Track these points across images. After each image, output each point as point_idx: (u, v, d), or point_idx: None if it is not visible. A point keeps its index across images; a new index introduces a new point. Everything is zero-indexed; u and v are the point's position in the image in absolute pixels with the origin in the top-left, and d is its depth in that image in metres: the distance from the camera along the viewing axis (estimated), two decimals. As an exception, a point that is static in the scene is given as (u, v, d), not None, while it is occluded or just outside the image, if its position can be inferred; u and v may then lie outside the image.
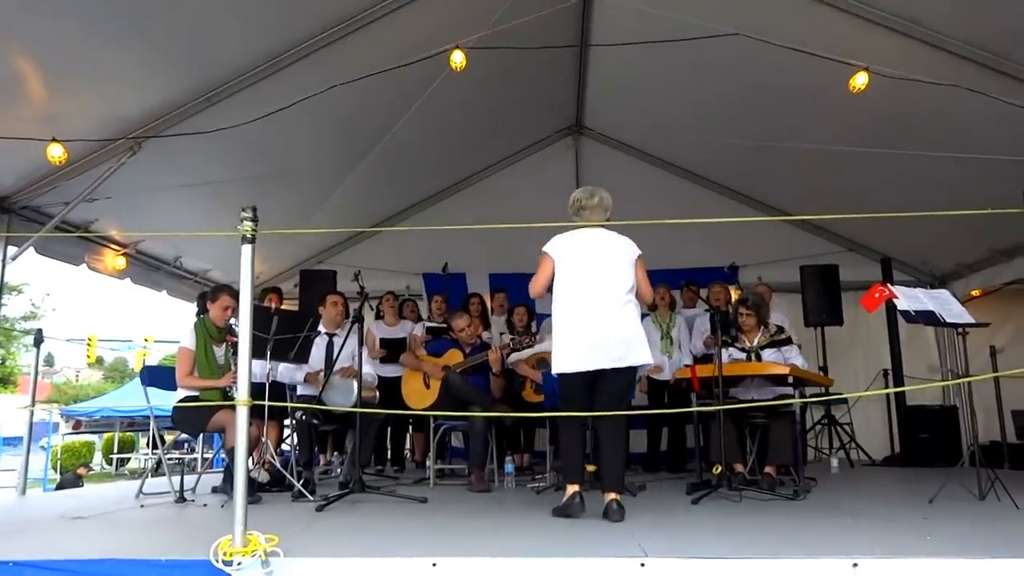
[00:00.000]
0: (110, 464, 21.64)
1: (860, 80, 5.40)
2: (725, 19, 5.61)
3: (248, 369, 2.50)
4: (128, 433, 22.85)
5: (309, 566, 2.36)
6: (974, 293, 8.12)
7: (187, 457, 16.84)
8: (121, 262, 6.89)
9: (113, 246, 6.84)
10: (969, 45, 5.17)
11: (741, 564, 2.25)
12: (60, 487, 11.46)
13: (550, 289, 3.88)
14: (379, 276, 8.16)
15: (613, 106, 8.50)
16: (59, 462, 19.24)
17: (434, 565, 2.30)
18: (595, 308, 3.69)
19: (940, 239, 7.97)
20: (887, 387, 8.26)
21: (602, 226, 3.95)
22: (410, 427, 7.10)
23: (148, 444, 21.00)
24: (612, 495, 3.50)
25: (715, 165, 8.69)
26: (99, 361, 37.29)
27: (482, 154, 8.94)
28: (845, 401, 7.94)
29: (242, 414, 2.45)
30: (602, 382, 3.70)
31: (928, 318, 3.93)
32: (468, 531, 3.24)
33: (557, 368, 3.72)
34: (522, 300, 7.59)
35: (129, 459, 22.43)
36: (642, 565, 2.25)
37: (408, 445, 7.42)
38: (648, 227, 8.65)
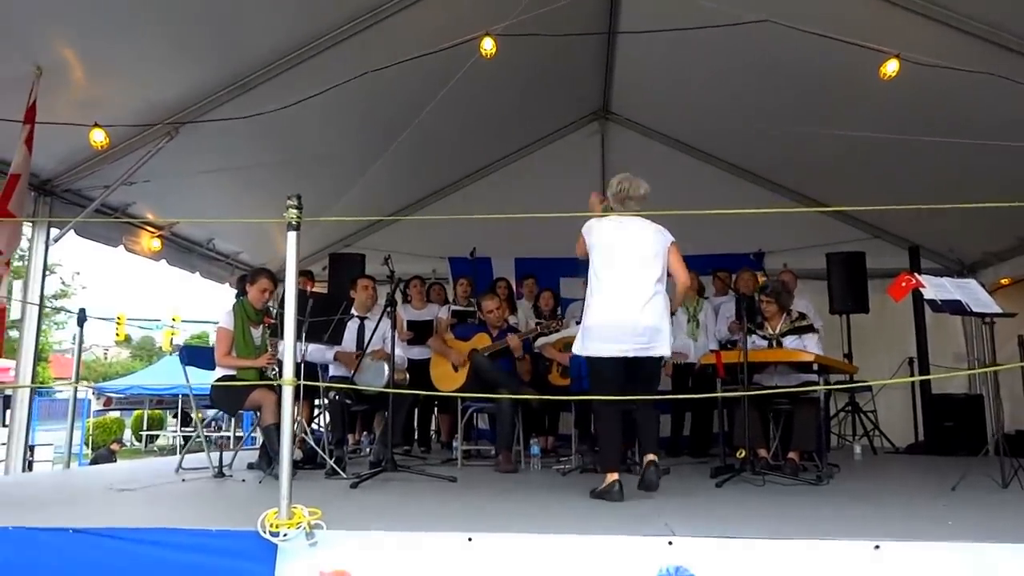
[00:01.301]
0: (139, 441, 22.14)
1: (891, 67, 5.39)
2: (754, 5, 5.62)
3: (294, 350, 2.61)
4: (157, 411, 23.33)
5: (351, 539, 2.48)
6: (1003, 282, 8.07)
7: (214, 435, 17.18)
8: (157, 244, 7.07)
9: (149, 228, 7.01)
10: (1001, 31, 5.14)
11: (764, 544, 2.33)
12: (95, 462, 11.78)
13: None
14: (406, 260, 8.25)
15: (640, 92, 8.50)
16: (90, 438, 19.70)
17: (469, 540, 2.41)
18: (626, 296, 3.77)
19: (968, 227, 7.91)
20: (912, 375, 8.26)
21: (637, 214, 3.98)
22: (435, 408, 7.24)
23: (177, 421, 21.42)
24: (650, 456, 3.64)
25: (741, 151, 8.67)
26: (127, 340, 37.88)
27: (508, 139, 8.99)
28: (869, 388, 7.96)
29: (287, 394, 2.57)
30: (634, 369, 3.79)
31: (955, 307, 3.96)
32: (500, 509, 3.36)
33: (586, 351, 3.82)
34: (552, 284, 7.71)
35: (158, 436, 22.91)
36: (670, 543, 2.34)
37: (434, 426, 7.56)
38: (673, 211, 8.73)
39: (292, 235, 2.62)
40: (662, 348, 3.81)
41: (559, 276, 8.30)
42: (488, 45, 5.69)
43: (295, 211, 2.61)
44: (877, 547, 2.28)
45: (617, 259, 3.86)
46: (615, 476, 3.59)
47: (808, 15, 5.54)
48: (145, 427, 22.23)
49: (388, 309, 4.67)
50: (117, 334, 25.09)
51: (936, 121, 6.22)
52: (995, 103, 5.70)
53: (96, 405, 23.64)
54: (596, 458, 3.90)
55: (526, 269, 8.25)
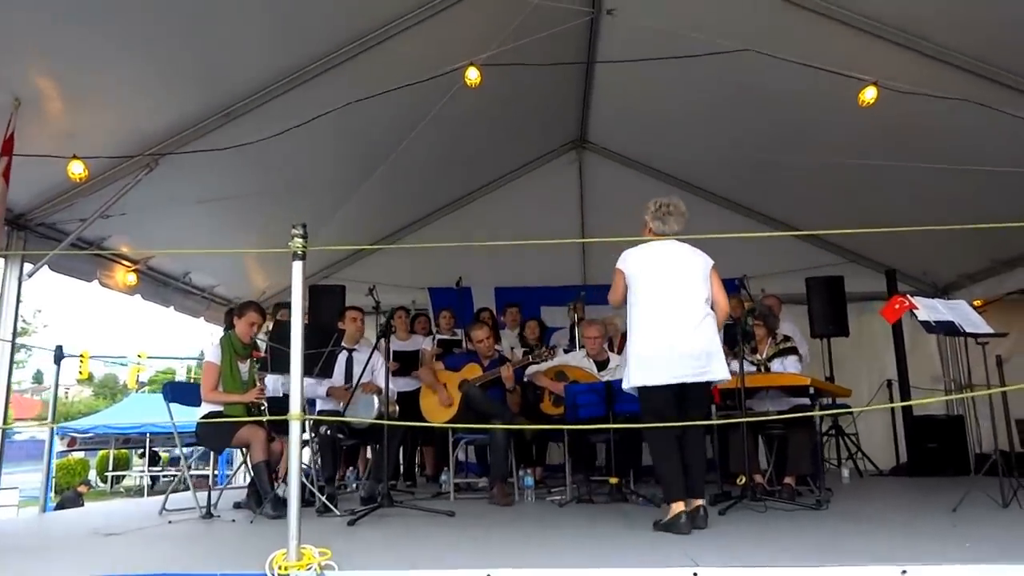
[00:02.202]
0: (104, 482, 21.47)
1: (869, 94, 5.50)
2: (732, 35, 5.71)
3: (301, 384, 2.52)
4: (123, 450, 22.68)
5: (364, 578, 2.39)
6: (976, 303, 8.20)
7: (179, 475, 16.72)
8: (132, 278, 6.90)
9: (124, 262, 6.86)
10: (976, 60, 5.28)
11: (794, 572, 2.29)
12: (61, 506, 11.36)
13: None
14: (386, 291, 8.10)
15: (617, 121, 8.58)
16: (53, 481, 19.08)
17: (489, 576, 2.33)
18: (675, 321, 3.71)
19: (942, 250, 8.08)
20: (891, 397, 8.34)
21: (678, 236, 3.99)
22: (419, 441, 7.11)
23: (145, 461, 20.84)
24: (699, 502, 3.54)
25: (720, 179, 8.77)
26: (90, 378, 36.98)
27: (486, 170, 9.02)
28: (850, 413, 8.01)
29: (295, 430, 2.48)
30: (687, 396, 3.72)
31: (948, 328, 4.00)
32: (510, 543, 3.26)
33: (639, 381, 3.71)
34: (533, 314, 7.67)
35: (124, 476, 22.25)
36: (694, 575, 2.29)
37: (417, 460, 7.43)
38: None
39: (297, 265, 2.56)
40: (718, 371, 3.71)
41: (540, 304, 8.30)
42: (473, 75, 5.72)
43: (300, 240, 2.54)
44: (904, 572, 2.25)
45: (662, 283, 3.79)
46: (680, 507, 3.46)
47: (788, 44, 5.64)
48: (111, 467, 21.58)
49: (380, 341, 4.58)
50: (80, 372, 24.46)
51: (912, 148, 6.36)
52: (969, 130, 5.85)
53: (59, 446, 22.93)
54: (661, 489, 3.72)
55: (507, 298, 8.22)
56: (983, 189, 6.27)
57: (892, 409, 8.37)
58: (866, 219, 7.91)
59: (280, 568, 2.37)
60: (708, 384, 3.76)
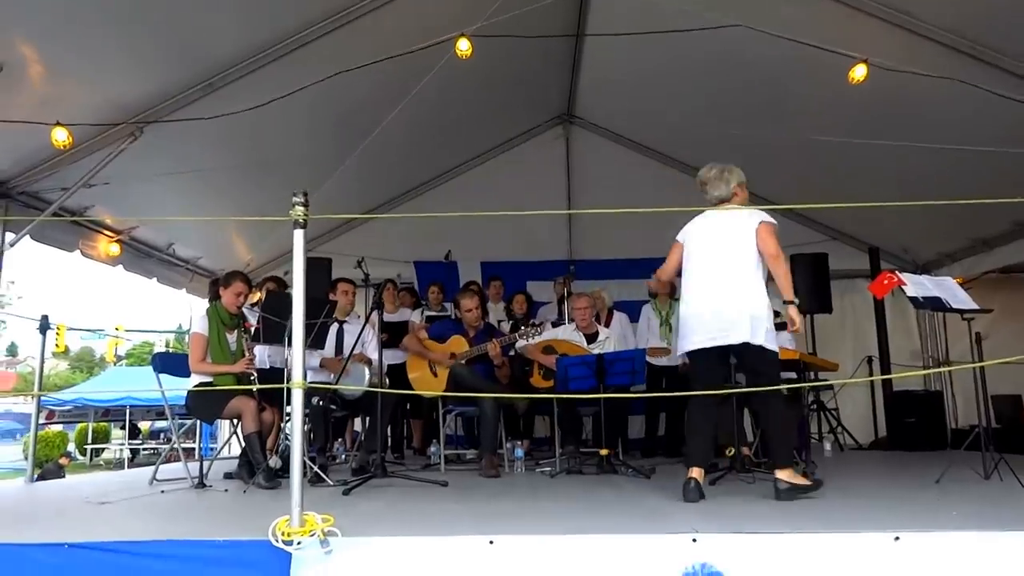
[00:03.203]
0: (84, 455, 21.33)
1: (859, 72, 5.53)
2: (723, 9, 5.70)
3: (303, 354, 2.52)
4: (102, 423, 22.52)
5: (368, 545, 2.40)
6: (956, 281, 8.35)
7: (163, 447, 16.64)
8: (115, 249, 6.81)
9: (107, 232, 6.76)
10: (965, 39, 5.31)
11: (788, 538, 2.34)
12: (42, 477, 11.26)
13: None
14: (371, 264, 8.11)
15: (605, 95, 8.56)
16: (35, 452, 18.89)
17: (491, 542, 2.35)
18: (702, 287, 3.75)
19: (923, 229, 8.19)
20: (871, 373, 8.49)
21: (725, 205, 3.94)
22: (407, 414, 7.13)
23: (125, 433, 20.71)
24: (779, 473, 3.51)
25: (706, 154, 8.64)
26: (66, 351, 36.60)
27: (473, 143, 8.97)
28: (831, 387, 8.14)
29: (297, 397, 2.48)
30: (743, 361, 3.77)
31: (935, 304, 4.06)
32: (510, 511, 3.29)
33: (680, 350, 3.82)
34: (519, 288, 7.68)
35: (104, 449, 22.11)
36: (694, 540, 2.33)
37: (404, 433, 7.45)
38: (641, 216, 8.79)
39: (299, 233, 2.53)
40: (745, 334, 3.61)
41: (526, 279, 8.30)
42: (464, 46, 5.67)
43: (301, 208, 2.52)
44: (897, 538, 2.31)
45: (697, 251, 3.84)
46: (696, 473, 3.49)
47: (778, 20, 5.64)
48: (90, 440, 21.43)
49: (373, 313, 4.57)
50: (56, 345, 24.20)
51: (898, 126, 6.39)
52: (955, 109, 5.90)
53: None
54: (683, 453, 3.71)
55: (493, 273, 8.22)
56: (967, 168, 6.34)
57: (872, 384, 8.54)
58: (849, 197, 7.97)
59: (283, 534, 2.38)
60: (761, 349, 3.65)
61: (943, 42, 5.37)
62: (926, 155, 6.31)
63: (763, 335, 3.67)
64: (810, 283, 8.01)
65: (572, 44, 7.57)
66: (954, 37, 5.32)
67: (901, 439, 7.52)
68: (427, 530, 2.63)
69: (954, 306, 4.11)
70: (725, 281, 3.72)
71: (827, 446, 6.85)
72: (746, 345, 3.64)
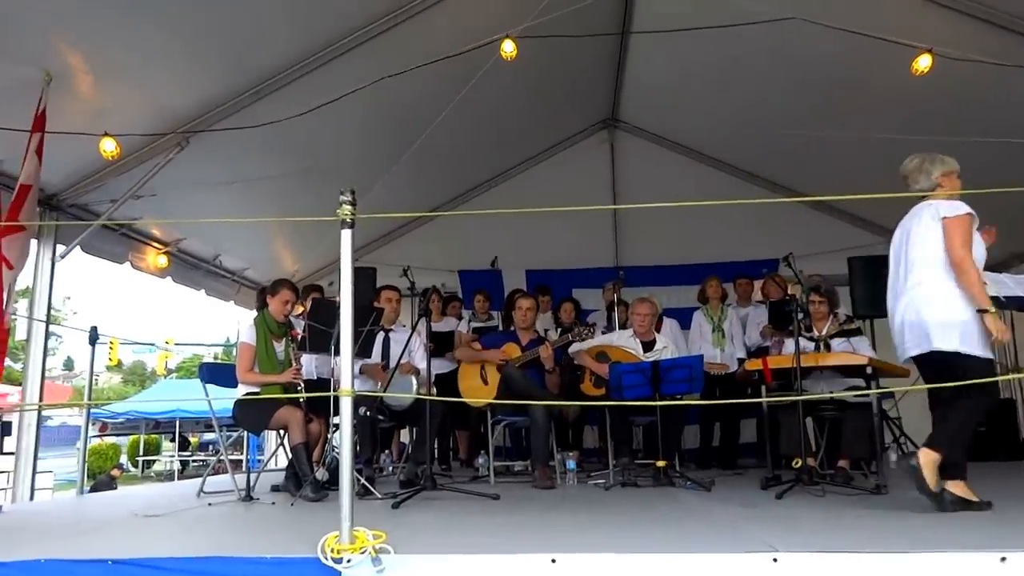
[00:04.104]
0: (136, 466, 21.70)
1: (923, 62, 5.29)
2: (776, 5, 5.50)
3: (352, 360, 2.40)
4: (153, 435, 22.92)
5: (423, 563, 2.26)
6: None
7: (211, 459, 16.81)
8: (163, 260, 6.85)
9: (155, 244, 6.79)
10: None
11: (883, 559, 2.13)
12: (95, 489, 11.42)
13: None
14: (415, 273, 8.08)
15: (650, 98, 8.40)
16: (85, 465, 19.27)
17: (553, 561, 2.19)
18: (897, 293, 3.57)
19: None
20: (933, 380, 8.10)
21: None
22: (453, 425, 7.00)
23: (175, 445, 21.03)
24: (949, 485, 3.31)
25: (756, 157, 8.56)
26: (119, 364, 37.43)
27: (518, 149, 8.89)
28: (892, 395, 7.79)
29: (346, 405, 2.36)
30: (938, 369, 3.41)
31: (1019, 304, 3.79)
32: (569, 527, 3.10)
33: (898, 356, 3.63)
34: (565, 296, 7.52)
35: (155, 461, 22.48)
36: (775, 560, 2.14)
37: (451, 445, 7.32)
38: (690, 222, 8.57)
39: (347, 233, 2.41)
40: (933, 342, 3.33)
41: (571, 287, 8.12)
42: (508, 47, 5.57)
43: (349, 207, 2.40)
44: (1004, 559, 2.09)
45: (891, 254, 3.69)
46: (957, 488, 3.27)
47: (833, 12, 5.42)
48: (142, 452, 21.80)
49: (420, 320, 4.45)
50: (109, 359, 24.72)
51: (961, 120, 6.09)
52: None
53: (91, 431, 23.23)
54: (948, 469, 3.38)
55: (538, 281, 8.07)
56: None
57: (935, 392, 8.14)
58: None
59: (333, 551, 2.25)
60: (956, 355, 3.31)
61: (1013, 28, 5.09)
62: (992, 149, 5.99)
63: (955, 340, 3.33)
64: (868, 287, 7.69)
65: (617, 46, 7.43)
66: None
67: (973, 449, 7.12)
68: (483, 547, 2.48)
69: (1039, 306, 3.83)
70: (906, 288, 3.50)
71: (892, 456, 6.52)
72: (938, 353, 3.36)
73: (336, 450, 5.31)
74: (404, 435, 6.78)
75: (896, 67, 5.49)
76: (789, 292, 4.55)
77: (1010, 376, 8.26)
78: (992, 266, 8.32)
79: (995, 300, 3.76)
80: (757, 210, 8.49)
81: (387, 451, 6.33)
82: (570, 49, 6.73)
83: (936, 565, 2.11)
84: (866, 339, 4.88)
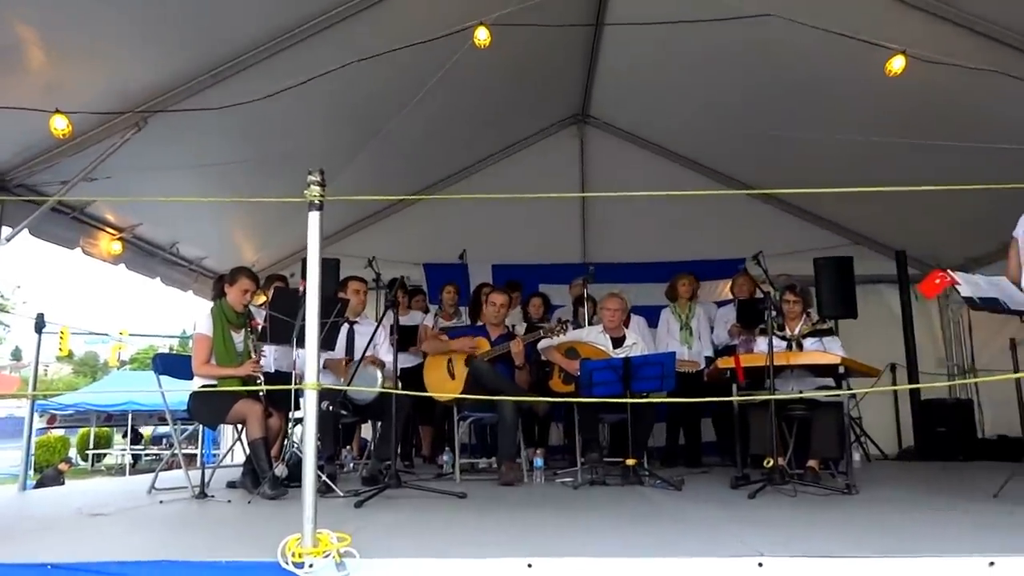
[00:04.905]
0: (85, 460, 21.07)
1: (897, 64, 5.27)
2: (753, 3, 5.46)
3: (317, 352, 2.26)
4: (104, 428, 22.26)
5: (391, 568, 2.13)
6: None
7: (165, 453, 16.38)
8: (117, 247, 6.57)
9: (109, 229, 6.51)
10: (1007, 29, 5.05)
11: (871, 564, 2.06)
12: (41, 484, 11.03)
13: None
14: (380, 266, 7.92)
15: (622, 94, 8.34)
16: (32, 458, 18.65)
17: (529, 566, 2.08)
18: None
19: (952, 233, 7.91)
20: (895, 380, 8.20)
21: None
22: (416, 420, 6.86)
23: (127, 439, 20.46)
24: None
25: (727, 156, 8.56)
26: (70, 355, 36.41)
27: (486, 143, 8.76)
28: (854, 395, 7.86)
29: (311, 399, 2.21)
30: None
31: (992, 305, 3.77)
32: (543, 528, 2.97)
33: None
34: (534, 290, 7.41)
35: (105, 455, 21.85)
36: (760, 565, 2.05)
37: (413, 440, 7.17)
38: (658, 219, 8.55)
39: (315, 216, 2.27)
40: None
41: (539, 283, 8.02)
42: (483, 35, 5.43)
43: (317, 188, 2.26)
44: (992, 564, 2.03)
45: None
46: None
47: (810, 10, 5.39)
48: (92, 446, 21.15)
49: (387, 312, 4.31)
50: (60, 349, 23.98)
51: (933, 124, 6.13)
52: (995, 104, 5.64)
53: (39, 423, 22.48)
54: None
55: (505, 276, 7.95)
56: (1005, 168, 6.05)
57: (895, 393, 8.25)
58: (877, 200, 7.74)
59: (294, 555, 2.11)
60: None
61: (987, 34, 5.11)
62: (961, 154, 6.03)
63: None
64: (834, 288, 7.73)
65: (590, 40, 7.33)
66: (999, 28, 5.06)
67: (931, 449, 7.24)
68: (453, 550, 2.36)
69: (1012, 308, 3.82)
70: None
71: (856, 456, 6.55)
72: None
73: (296, 445, 5.14)
74: (365, 430, 6.62)
75: (870, 68, 5.48)
76: (764, 290, 4.49)
77: (967, 380, 8.43)
78: (959, 266, 8.42)
79: (969, 300, 3.76)
80: (725, 210, 8.52)
81: (348, 447, 6.16)
82: (543, 42, 6.63)
83: (924, 569, 2.05)
84: (838, 339, 4.85)
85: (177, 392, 4.53)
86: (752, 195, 8.74)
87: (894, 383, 8.20)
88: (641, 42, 6.78)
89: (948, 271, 3.86)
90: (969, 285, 3.77)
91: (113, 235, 6.54)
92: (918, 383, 7.76)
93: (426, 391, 5.23)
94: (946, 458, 6.96)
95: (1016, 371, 4.96)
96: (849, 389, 4.42)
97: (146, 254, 7.21)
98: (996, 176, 6.24)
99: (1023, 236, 3.64)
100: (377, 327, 4.83)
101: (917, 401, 7.70)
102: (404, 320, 6.57)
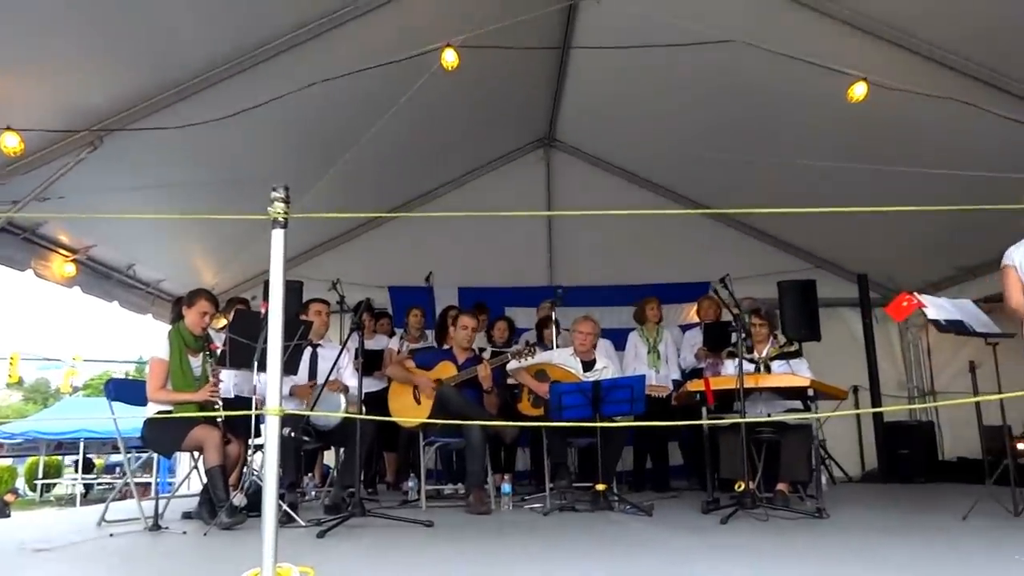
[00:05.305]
0: (34, 490, 20.29)
1: (859, 90, 5.36)
2: (716, 27, 5.52)
3: (280, 375, 2.16)
4: (54, 457, 21.49)
5: (357, 603, 2.02)
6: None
7: (119, 482, 15.83)
8: (70, 268, 6.35)
9: (62, 251, 6.30)
10: (966, 60, 5.18)
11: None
12: (-15, 516, 10.57)
13: None
14: (344, 289, 7.80)
15: (588, 118, 8.38)
16: (-24, 489, 17.91)
17: (503, 599, 1.99)
18: None
19: (910, 257, 8.06)
20: (857, 403, 8.28)
21: None
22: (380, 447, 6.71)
23: (79, 468, 19.77)
24: None
25: (690, 181, 8.66)
26: (20, 382, 35.27)
27: (453, 165, 8.72)
28: (816, 418, 7.91)
29: (272, 425, 2.11)
30: None
31: (958, 327, 3.82)
32: (514, 559, 2.89)
33: None
34: (499, 314, 7.35)
35: (55, 485, 21.07)
36: (740, 594, 1.99)
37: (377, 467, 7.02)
38: (624, 243, 8.58)
39: (278, 234, 2.19)
40: None
41: (504, 306, 7.97)
42: (450, 57, 5.41)
43: (281, 205, 2.18)
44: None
45: None
46: None
47: (774, 38, 5.47)
48: (41, 475, 20.38)
49: (352, 335, 4.20)
50: (9, 375, 23.20)
51: (892, 151, 6.24)
52: (954, 132, 5.77)
53: (-16, 452, 21.66)
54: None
55: (471, 299, 7.88)
56: (960, 194, 6.18)
57: (858, 416, 8.33)
58: (837, 224, 7.87)
59: (254, 591, 2.00)
60: None
61: (946, 63, 5.24)
62: (919, 180, 6.14)
63: None
64: (798, 311, 7.80)
65: (556, 64, 7.36)
66: (957, 58, 5.19)
67: (894, 471, 7.30)
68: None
69: (978, 330, 3.87)
70: None
71: (823, 479, 6.56)
72: None
73: (256, 473, 4.97)
74: (328, 457, 6.46)
75: (832, 95, 5.56)
76: (734, 312, 4.49)
77: (927, 404, 8.56)
78: (919, 289, 8.55)
79: (936, 323, 3.79)
80: (691, 235, 8.63)
81: (310, 474, 5.99)
82: (510, 65, 6.64)
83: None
84: (805, 361, 4.86)
85: (132, 419, 4.35)
86: (717, 220, 8.87)
87: (856, 406, 8.28)
88: (607, 67, 6.84)
89: (915, 294, 3.91)
90: (935, 308, 3.81)
91: (66, 257, 6.33)
92: (881, 406, 7.83)
93: (391, 416, 5.10)
94: (908, 480, 7.02)
95: (975, 393, 4.99)
96: (818, 412, 4.41)
97: (101, 276, 6.99)
98: (955, 203, 6.43)
99: (1021, 264, 3.64)
100: (341, 350, 4.71)
101: (880, 424, 7.77)
102: (369, 344, 6.45)
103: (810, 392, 4.21)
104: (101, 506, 4.15)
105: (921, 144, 6.08)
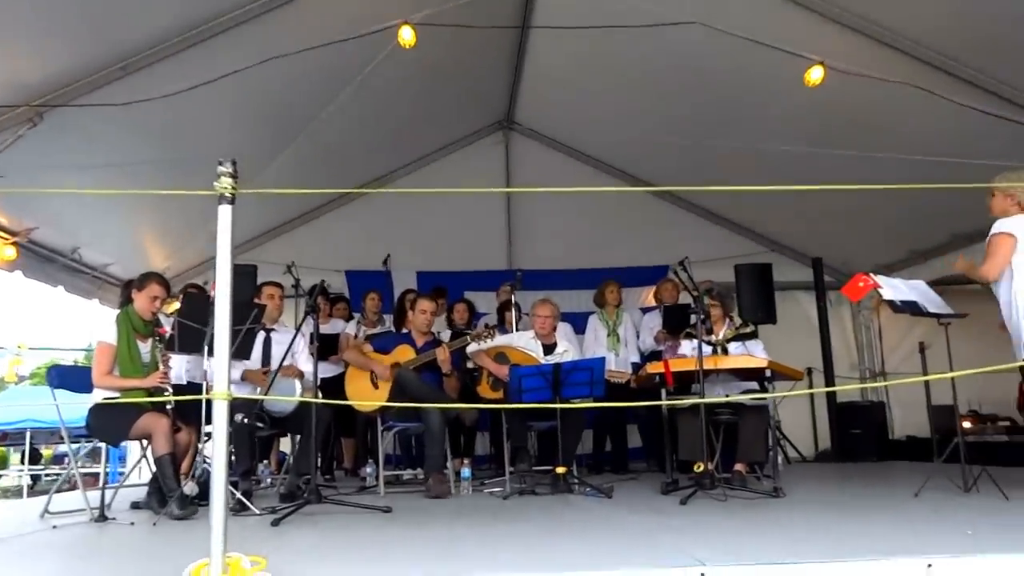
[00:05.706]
0: (-24, 483, 19.66)
1: (816, 74, 5.40)
2: (675, 8, 5.50)
3: (228, 358, 2.07)
4: (0, 448, 20.84)
5: (312, 593, 1.96)
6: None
7: (64, 473, 15.41)
8: (11, 252, 6.08)
9: (2, 233, 6.04)
10: (926, 47, 5.23)
11: (814, 569, 2.01)
12: (-76, 509, 10.16)
13: None
14: (300, 272, 7.64)
15: (547, 101, 8.31)
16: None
17: (463, 585, 1.95)
18: None
19: (864, 241, 8.19)
20: (811, 384, 8.43)
21: None
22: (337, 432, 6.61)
23: (25, 459, 19.19)
24: None
25: (649, 164, 8.66)
26: (-39, 370, 34.01)
27: (410, 147, 8.58)
28: (769, 399, 8.03)
29: (220, 410, 2.02)
30: None
31: (912, 308, 3.87)
32: (475, 544, 2.82)
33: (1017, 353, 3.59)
34: (458, 297, 7.29)
35: (1, 477, 20.44)
36: (702, 575, 1.98)
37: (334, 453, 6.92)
38: (583, 228, 8.57)
39: (225, 210, 2.09)
40: None
41: (464, 290, 7.90)
42: (407, 35, 5.29)
43: (229, 180, 2.08)
44: (930, 565, 2.01)
45: None
46: None
47: (733, 22, 5.46)
48: (-17, 467, 19.76)
49: (306, 319, 4.10)
50: (-51, 365, 22.38)
51: (848, 135, 6.30)
52: (908, 117, 5.84)
53: (-76, 444, 20.88)
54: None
55: (430, 283, 7.80)
56: (913, 178, 6.28)
57: (812, 396, 8.48)
58: (794, 207, 7.96)
59: (202, 582, 1.92)
60: None
61: (903, 49, 5.28)
62: (877, 165, 6.23)
63: None
64: (754, 293, 7.88)
65: (515, 44, 7.27)
66: (914, 44, 5.23)
67: (847, 450, 7.44)
68: (378, 570, 2.20)
69: (931, 310, 3.93)
70: None
71: (779, 459, 6.66)
72: None
73: (207, 462, 4.84)
74: (284, 444, 6.35)
75: (790, 79, 5.59)
76: (694, 295, 4.49)
77: (876, 384, 8.74)
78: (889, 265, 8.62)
79: (891, 304, 3.84)
80: (650, 218, 8.66)
81: (265, 461, 5.87)
82: (469, 45, 6.53)
83: (865, 572, 2.01)
84: (761, 343, 4.90)
85: (79, 407, 4.19)
86: (676, 204, 8.93)
87: (811, 387, 8.42)
88: (567, 50, 6.77)
89: (871, 275, 3.94)
90: (890, 288, 3.86)
91: (6, 239, 6.06)
92: (834, 386, 7.97)
93: (348, 401, 5.02)
94: (861, 459, 7.16)
95: (924, 374, 5.10)
96: (774, 392, 4.45)
97: (44, 260, 6.71)
98: (903, 183, 6.54)
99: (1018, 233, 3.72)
100: (296, 335, 4.60)
101: (833, 405, 7.91)
102: (325, 328, 6.33)
103: (768, 373, 4.23)
104: (84, 495, 3.98)
105: (877, 130, 6.15)
